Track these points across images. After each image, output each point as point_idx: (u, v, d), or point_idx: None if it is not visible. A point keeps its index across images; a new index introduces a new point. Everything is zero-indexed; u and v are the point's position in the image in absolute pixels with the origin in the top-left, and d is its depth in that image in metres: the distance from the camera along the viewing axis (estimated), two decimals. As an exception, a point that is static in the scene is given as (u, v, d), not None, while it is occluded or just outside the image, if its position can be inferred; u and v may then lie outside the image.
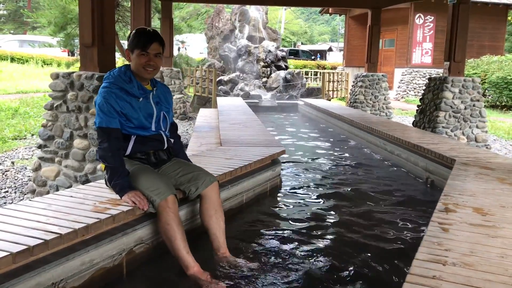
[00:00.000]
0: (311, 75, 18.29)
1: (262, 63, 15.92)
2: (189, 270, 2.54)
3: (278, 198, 4.35)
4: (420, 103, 8.61)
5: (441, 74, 8.30)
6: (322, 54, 41.22)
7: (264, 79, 15.71)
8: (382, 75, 12.00)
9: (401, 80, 18.60)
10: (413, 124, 8.69)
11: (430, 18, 18.06)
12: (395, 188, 4.81)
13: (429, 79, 8.34)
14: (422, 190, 4.82)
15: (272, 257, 2.89)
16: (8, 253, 1.94)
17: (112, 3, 4.72)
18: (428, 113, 8.05)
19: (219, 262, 2.74)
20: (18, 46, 26.36)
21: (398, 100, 18.16)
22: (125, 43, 14.25)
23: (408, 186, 4.92)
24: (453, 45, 7.70)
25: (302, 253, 2.98)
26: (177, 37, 15.43)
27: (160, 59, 2.85)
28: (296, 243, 3.14)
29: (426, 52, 18.33)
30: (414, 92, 18.25)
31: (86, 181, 4.33)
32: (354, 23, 21.14)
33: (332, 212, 3.95)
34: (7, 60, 21.95)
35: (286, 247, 3.07)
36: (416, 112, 8.72)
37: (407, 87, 18.47)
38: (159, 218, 2.62)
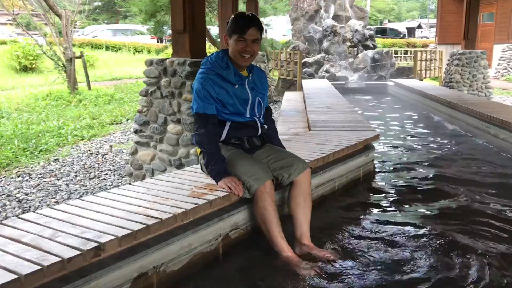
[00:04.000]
0: (401, 54, 17.46)
1: (348, 43, 15.45)
2: (282, 254, 2.57)
3: (372, 185, 4.16)
4: (526, 82, 7.86)
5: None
6: (411, 32, 39.13)
7: (351, 60, 15.26)
8: (481, 52, 11.14)
9: (501, 57, 17.18)
10: (518, 104, 7.98)
11: (536, -13, 16.42)
12: (500, 174, 4.42)
13: (538, 55, 7.57)
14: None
15: (359, 249, 2.74)
16: (114, 237, 2.00)
17: (203, -12, 4.74)
18: (536, 93, 7.32)
19: (300, 251, 2.67)
20: (111, 35, 27.90)
21: (498, 78, 16.81)
22: (211, 28, 14.52)
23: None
24: None
25: (393, 247, 2.77)
26: (261, 20, 15.41)
27: (258, 45, 2.79)
28: (388, 235, 2.95)
29: (531, 25, 16.74)
30: (516, 70, 16.80)
31: (180, 165, 4.44)
32: (447, -3, 19.81)
33: (430, 202, 3.68)
34: (102, 48, 23.34)
35: (376, 238, 2.90)
36: (522, 92, 7.98)
37: (508, 65, 17.03)
38: (256, 203, 2.60)
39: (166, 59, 4.62)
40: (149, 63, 4.73)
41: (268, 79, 11.87)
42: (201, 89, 2.72)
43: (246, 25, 2.71)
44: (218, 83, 2.75)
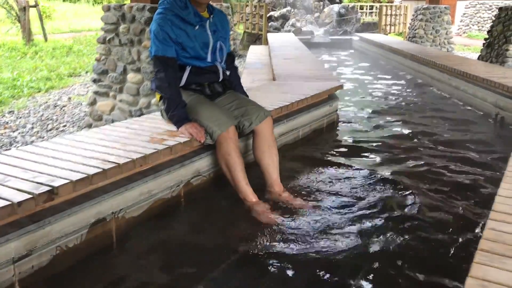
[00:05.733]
0: (366, 9, 17.36)
1: (314, -3, 15.22)
2: (247, 200, 2.50)
3: (335, 134, 4.18)
4: (487, 36, 7.97)
5: (514, 3, 7.57)
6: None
7: (317, 14, 15.07)
8: (445, 7, 11.19)
9: (464, 14, 17.36)
10: (478, 58, 8.11)
11: None
12: (461, 125, 4.51)
13: (500, 9, 7.65)
14: (491, 126, 4.49)
15: (325, 194, 2.75)
16: (68, 181, 1.92)
17: None
18: (496, 47, 7.45)
19: (273, 199, 2.63)
20: (69, -15, 26.47)
21: (460, 35, 17.04)
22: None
23: (475, 122, 4.59)
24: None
25: (355, 194, 2.79)
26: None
27: None
28: (350, 183, 2.97)
29: (494, -19, 16.87)
30: (478, 27, 17.04)
31: (140, 115, 4.31)
32: (414, -49, 19.63)
33: (392, 150, 3.74)
34: (59, -1, 22.20)
35: (339, 187, 2.91)
36: (483, 46, 8.09)
37: (470, 21, 17.26)
38: (219, 148, 2.53)
39: (124, 4, 4.40)
40: (107, 8, 4.50)
41: (233, 32, 11.61)
42: (159, 31, 2.59)
43: None
44: (177, 24, 2.62)
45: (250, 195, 2.52)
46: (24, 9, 11.03)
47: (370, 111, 5.14)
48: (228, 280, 1.94)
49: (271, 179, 2.68)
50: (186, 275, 1.98)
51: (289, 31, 13.86)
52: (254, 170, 2.73)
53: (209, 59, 2.78)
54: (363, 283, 1.90)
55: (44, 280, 1.82)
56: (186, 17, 2.65)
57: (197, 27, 2.69)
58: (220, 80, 2.86)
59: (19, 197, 1.76)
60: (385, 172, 3.14)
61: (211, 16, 2.78)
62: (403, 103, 5.59)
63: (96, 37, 13.30)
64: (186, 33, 2.66)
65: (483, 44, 8.14)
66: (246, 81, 5.24)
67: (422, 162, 3.34)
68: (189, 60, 2.73)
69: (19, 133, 4.85)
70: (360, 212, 2.51)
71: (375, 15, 16.65)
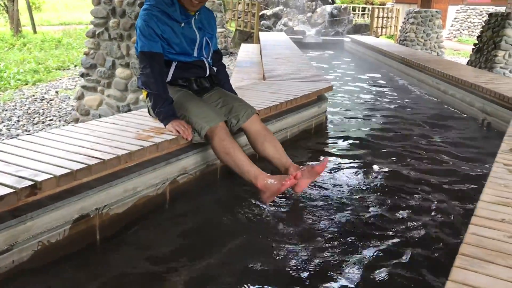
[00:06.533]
0: (358, 11, 17.43)
1: (307, -3, 15.24)
2: (258, 178, 2.41)
3: (323, 136, 4.19)
4: (477, 42, 8.04)
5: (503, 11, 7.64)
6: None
7: (309, 14, 15.09)
8: (436, 11, 11.27)
9: (455, 19, 17.51)
10: (468, 63, 8.17)
11: (493, -51, 16.63)
12: (448, 129, 4.54)
13: (490, 15, 7.72)
14: (478, 132, 4.53)
15: (313, 195, 2.76)
16: (52, 176, 1.90)
17: None
18: (485, 52, 7.52)
19: (300, 181, 2.55)
20: (60, -23, 26.21)
21: (450, 39, 17.18)
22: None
23: (462, 127, 4.63)
24: (520, -23, 7.02)
25: (346, 191, 2.84)
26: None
27: None
28: (337, 183, 2.99)
29: (485, -13, 17.04)
30: (468, 32, 17.19)
31: (128, 111, 4.29)
32: (407, -45, 19.74)
33: (380, 152, 3.75)
34: (50, -9, 21.97)
35: (329, 182, 2.94)
36: (472, 51, 8.16)
37: (461, 26, 17.41)
38: (213, 139, 2.50)
39: (115, -2, 4.37)
40: (97, 2, 4.46)
41: (225, 30, 11.58)
42: (145, 27, 2.57)
43: None
44: (162, 20, 2.60)
45: (258, 170, 2.43)
46: (12, 0, 10.90)
47: (359, 113, 5.16)
48: (214, 277, 1.93)
49: (282, 162, 2.64)
50: (169, 271, 1.97)
51: (281, 30, 13.87)
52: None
53: (195, 54, 2.78)
54: (341, 281, 1.91)
55: (25, 275, 1.80)
56: (172, 14, 2.64)
57: (182, 24, 2.68)
58: (206, 75, 2.85)
59: (1, 191, 1.74)
60: (371, 176, 3.15)
61: (197, 13, 2.77)
62: (391, 106, 5.62)
63: (86, 30, 13.22)
64: (172, 30, 2.65)
65: (473, 49, 8.21)
66: (236, 80, 5.23)
67: (408, 166, 3.37)
68: (175, 56, 2.72)
69: (4, 125, 4.79)
70: (344, 215, 2.52)
71: (367, 17, 16.73)
